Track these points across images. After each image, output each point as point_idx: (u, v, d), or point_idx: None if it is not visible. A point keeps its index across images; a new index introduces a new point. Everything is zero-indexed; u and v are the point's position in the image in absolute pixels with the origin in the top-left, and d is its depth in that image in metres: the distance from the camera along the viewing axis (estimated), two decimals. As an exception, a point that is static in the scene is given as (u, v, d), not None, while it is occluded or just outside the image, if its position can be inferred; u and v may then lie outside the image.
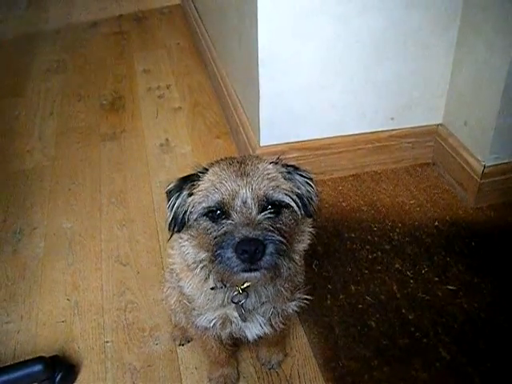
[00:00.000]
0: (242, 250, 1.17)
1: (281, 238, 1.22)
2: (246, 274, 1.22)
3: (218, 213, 1.26)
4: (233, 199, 1.24)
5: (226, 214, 1.25)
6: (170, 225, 1.36)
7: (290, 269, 1.32)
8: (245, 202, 1.24)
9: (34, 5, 5.14)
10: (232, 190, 1.25)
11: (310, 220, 1.42)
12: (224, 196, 1.25)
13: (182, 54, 4.07)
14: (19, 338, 1.98)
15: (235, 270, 1.20)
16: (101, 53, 4.17)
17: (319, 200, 1.40)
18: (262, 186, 1.26)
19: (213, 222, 1.27)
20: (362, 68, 2.41)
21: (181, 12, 4.78)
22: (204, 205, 1.27)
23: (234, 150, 2.95)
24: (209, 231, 1.27)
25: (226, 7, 2.87)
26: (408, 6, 2.27)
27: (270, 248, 1.19)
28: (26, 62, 4.05)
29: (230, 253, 1.19)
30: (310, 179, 1.37)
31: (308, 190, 1.36)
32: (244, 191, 1.25)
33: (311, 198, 1.37)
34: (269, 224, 1.23)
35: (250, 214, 1.23)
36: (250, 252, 1.17)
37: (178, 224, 1.34)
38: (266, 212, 1.25)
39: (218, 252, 1.21)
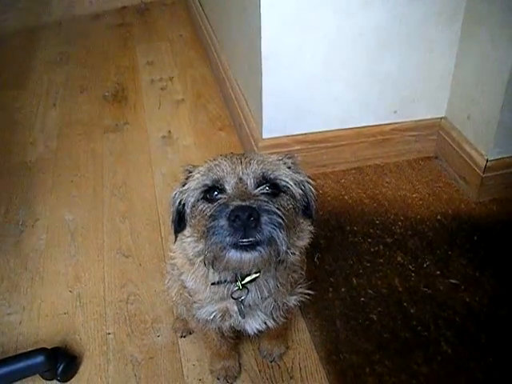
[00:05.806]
0: (235, 216, 1.11)
1: (277, 211, 1.16)
2: (241, 254, 1.15)
3: (214, 193, 1.23)
4: (228, 175, 1.23)
5: (221, 192, 1.23)
6: (173, 223, 1.35)
7: (288, 248, 1.21)
8: (240, 179, 1.22)
9: (37, -4, 5.14)
10: (228, 168, 1.24)
11: (309, 221, 1.40)
12: (219, 173, 1.24)
13: (185, 46, 4.07)
14: (21, 330, 1.98)
15: (228, 240, 1.14)
16: (104, 45, 4.17)
17: (319, 196, 1.38)
18: (260, 165, 1.25)
19: (209, 202, 1.23)
20: (366, 61, 2.40)
21: (184, 4, 4.77)
22: (199, 185, 1.26)
23: (237, 142, 2.94)
24: (205, 212, 1.23)
25: (229, -1, 2.87)
26: (412, -1, 2.26)
27: (265, 217, 1.13)
28: (29, 53, 4.05)
29: (222, 221, 1.13)
30: (311, 185, 1.36)
31: (310, 190, 1.35)
32: (240, 168, 1.24)
33: (313, 200, 1.35)
34: (265, 198, 1.18)
35: (246, 188, 1.21)
36: (243, 218, 1.10)
37: (177, 218, 1.33)
38: (263, 187, 1.22)
39: (212, 224, 1.16)
